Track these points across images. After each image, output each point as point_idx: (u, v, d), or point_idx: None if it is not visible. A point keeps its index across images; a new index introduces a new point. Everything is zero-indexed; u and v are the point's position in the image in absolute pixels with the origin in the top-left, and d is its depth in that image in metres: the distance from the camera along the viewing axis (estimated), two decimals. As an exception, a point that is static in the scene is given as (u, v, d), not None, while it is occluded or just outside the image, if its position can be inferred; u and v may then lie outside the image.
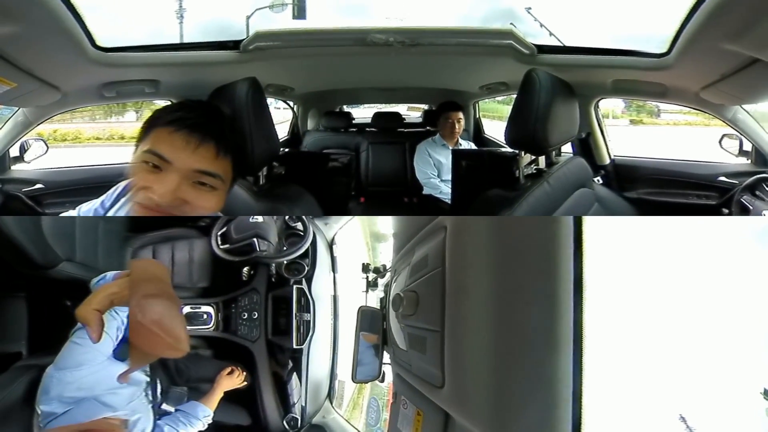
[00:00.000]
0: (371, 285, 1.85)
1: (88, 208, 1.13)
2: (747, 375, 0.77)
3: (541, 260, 0.65)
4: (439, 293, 0.88)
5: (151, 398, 1.39)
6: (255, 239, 1.85)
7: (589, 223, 0.68)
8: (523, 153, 1.72)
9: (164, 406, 1.52)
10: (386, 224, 2.43)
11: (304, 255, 1.98)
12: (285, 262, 1.96)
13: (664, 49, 1.55)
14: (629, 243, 0.77)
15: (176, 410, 1.54)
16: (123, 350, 1.23)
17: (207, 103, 1.08)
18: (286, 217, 2.03)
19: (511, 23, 1.71)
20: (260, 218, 1.90)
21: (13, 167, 2.18)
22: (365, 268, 1.86)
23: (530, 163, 1.74)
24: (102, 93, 1.70)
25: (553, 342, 0.62)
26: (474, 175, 1.98)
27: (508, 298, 0.69)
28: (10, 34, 1.19)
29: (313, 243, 2.02)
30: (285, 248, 1.95)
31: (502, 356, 0.69)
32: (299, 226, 2.01)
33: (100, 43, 1.44)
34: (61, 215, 1.19)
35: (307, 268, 2.01)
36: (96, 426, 1.15)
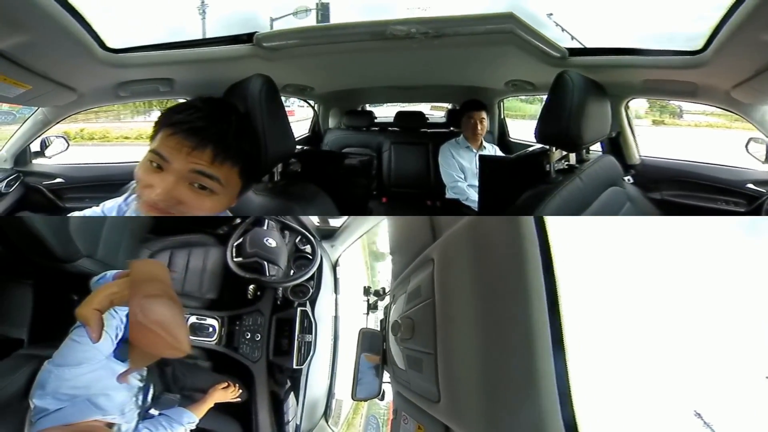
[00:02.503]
0: (371, 307, 1.90)
1: (111, 206, 1.17)
2: (752, 363, 0.82)
3: (514, 285, 0.74)
4: (431, 320, 0.99)
5: (140, 403, 1.41)
6: (265, 263, 1.94)
7: (565, 226, 0.75)
8: (554, 149, 1.74)
9: (152, 411, 1.54)
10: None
11: (310, 277, 2.04)
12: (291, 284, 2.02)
13: (693, 47, 1.60)
14: (621, 244, 0.85)
15: (159, 414, 1.56)
16: (123, 350, 1.25)
17: (216, 103, 1.06)
18: (297, 239, 2.11)
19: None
20: (273, 242, 1.99)
21: (33, 161, 2.36)
22: (366, 291, 1.92)
23: (561, 159, 1.76)
24: (117, 93, 1.77)
25: (532, 355, 0.69)
26: (502, 184, 1.96)
27: (488, 322, 0.79)
28: (22, 43, 1.28)
29: (319, 265, 2.09)
30: (293, 272, 2.04)
31: (487, 372, 0.78)
32: (308, 249, 2.09)
33: (111, 44, 1.50)
34: (84, 212, 1.21)
35: (311, 291, 2.07)
36: (86, 427, 1.16)
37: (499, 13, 1.69)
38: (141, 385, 1.42)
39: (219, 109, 1.03)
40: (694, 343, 0.83)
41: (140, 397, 1.41)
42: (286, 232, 2.13)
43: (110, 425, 1.23)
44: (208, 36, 1.87)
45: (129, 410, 1.33)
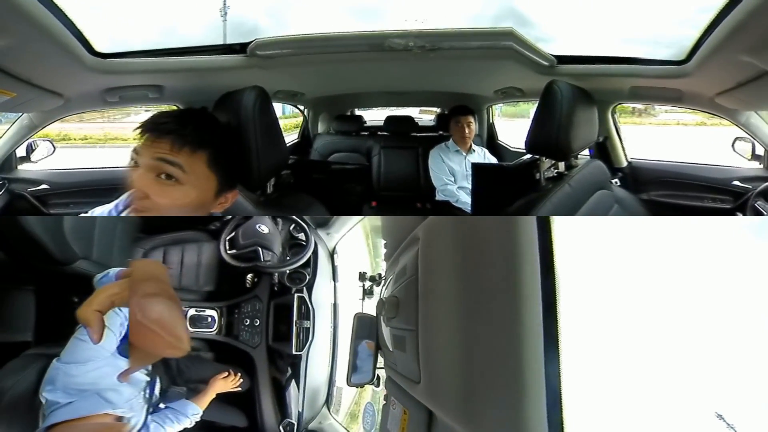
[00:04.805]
0: (367, 293, 1.96)
1: (101, 211, 1.22)
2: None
3: (500, 260, 0.73)
4: (414, 297, 1.03)
5: (147, 397, 1.48)
6: (259, 249, 2.02)
7: (565, 222, 0.76)
8: (544, 158, 1.83)
9: (161, 405, 1.61)
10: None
11: (306, 264, 2.14)
12: (287, 271, 2.11)
13: (678, 50, 1.66)
14: (613, 242, 0.85)
15: (165, 407, 1.62)
16: (126, 347, 1.36)
17: (188, 109, 1.17)
18: (291, 227, 2.19)
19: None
20: (266, 229, 2.07)
21: (19, 167, 2.38)
22: (362, 276, 1.98)
23: (550, 167, 1.85)
24: (105, 98, 1.77)
25: (517, 336, 0.66)
26: (494, 193, 2.04)
27: (470, 297, 0.79)
28: (3, 47, 1.25)
29: (315, 252, 2.18)
30: (288, 258, 2.12)
31: (467, 350, 0.79)
32: (302, 236, 2.17)
33: (100, 48, 1.50)
34: (80, 215, 1.28)
35: (308, 277, 2.15)
36: (97, 420, 1.23)
37: (498, 29, 1.74)
38: (147, 379, 1.50)
39: (187, 110, 1.13)
40: (710, 344, 0.83)
41: (147, 391, 1.49)
42: (279, 220, 2.21)
43: (120, 419, 1.30)
44: (229, 38, 1.84)
45: (137, 404, 1.40)
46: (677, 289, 0.83)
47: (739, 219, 2.02)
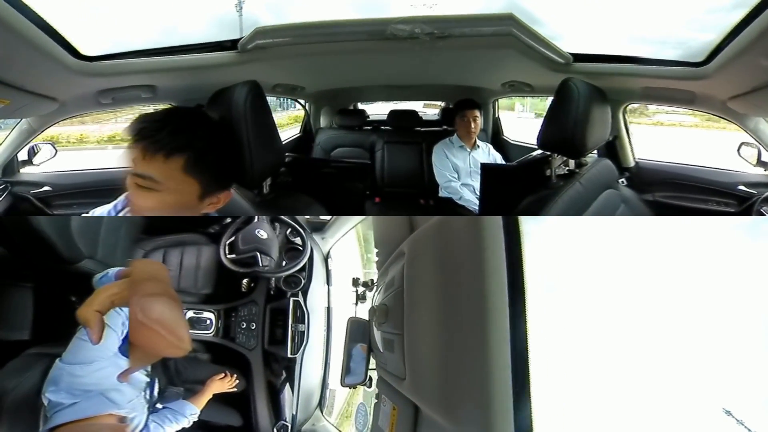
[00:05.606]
0: (360, 298, 2.03)
1: (101, 212, 1.27)
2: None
3: (471, 276, 0.82)
4: (401, 305, 1.14)
5: (148, 397, 1.54)
6: (258, 254, 2.11)
7: (546, 224, 0.85)
8: (555, 155, 1.87)
9: (158, 405, 1.67)
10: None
11: (301, 268, 2.22)
12: (283, 275, 2.20)
13: (686, 50, 1.74)
14: (613, 242, 0.92)
15: (164, 407, 1.68)
16: (127, 347, 1.40)
17: (173, 109, 1.20)
18: (288, 231, 2.28)
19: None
20: (265, 234, 2.15)
21: (21, 170, 2.46)
22: (355, 282, 2.05)
23: (561, 164, 1.90)
24: (99, 100, 1.80)
25: (485, 337, 0.76)
26: (503, 192, 2.05)
27: (447, 306, 0.90)
28: None
29: (310, 257, 2.26)
30: (285, 263, 2.21)
31: (444, 351, 0.89)
32: (298, 240, 2.26)
33: (87, 51, 1.53)
34: (82, 215, 1.32)
35: (303, 281, 2.24)
36: (102, 421, 1.26)
37: (498, 14, 1.74)
38: (148, 380, 1.57)
39: (170, 112, 1.15)
40: (715, 342, 0.87)
41: (148, 392, 1.56)
42: (277, 224, 2.29)
43: (123, 419, 1.34)
44: (245, 31, 1.87)
45: (139, 404, 1.46)
46: (682, 289, 0.88)
47: (740, 219, 2.05)
